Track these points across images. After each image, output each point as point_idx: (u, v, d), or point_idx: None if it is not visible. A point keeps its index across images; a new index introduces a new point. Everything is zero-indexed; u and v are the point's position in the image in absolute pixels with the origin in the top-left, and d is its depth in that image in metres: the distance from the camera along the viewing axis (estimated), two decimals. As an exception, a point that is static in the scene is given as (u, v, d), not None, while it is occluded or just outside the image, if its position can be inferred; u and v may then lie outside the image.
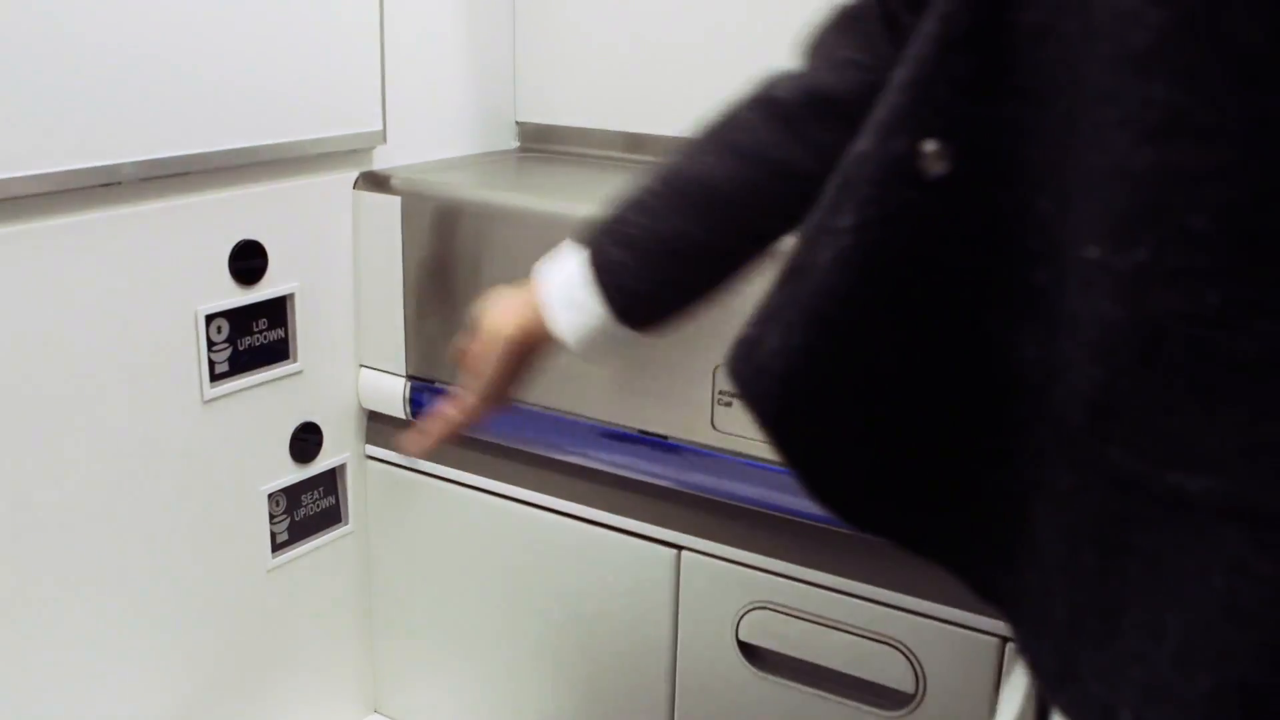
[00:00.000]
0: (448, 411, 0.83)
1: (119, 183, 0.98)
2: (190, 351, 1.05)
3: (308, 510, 1.21)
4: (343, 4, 1.13)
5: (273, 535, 1.17)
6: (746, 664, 1.06)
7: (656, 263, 0.69)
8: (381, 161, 1.22)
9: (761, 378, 0.50)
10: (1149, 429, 0.40)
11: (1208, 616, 0.39)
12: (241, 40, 1.04)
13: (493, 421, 1.02)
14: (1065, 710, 0.44)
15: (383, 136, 1.20)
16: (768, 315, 0.51)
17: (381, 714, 1.33)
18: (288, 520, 1.19)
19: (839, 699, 1.03)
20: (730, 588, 1.05)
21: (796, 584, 1.02)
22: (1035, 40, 0.42)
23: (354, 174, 1.19)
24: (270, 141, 1.09)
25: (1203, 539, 0.39)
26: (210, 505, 1.10)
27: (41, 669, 0.97)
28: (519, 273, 1.10)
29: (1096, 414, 0.42)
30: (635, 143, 1.30)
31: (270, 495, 1.16)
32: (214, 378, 1.07)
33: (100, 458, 0.98)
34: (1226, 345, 0.38)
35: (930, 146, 0.45)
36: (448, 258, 1.14)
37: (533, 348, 0.78)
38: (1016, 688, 0.58)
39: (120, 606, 1.03)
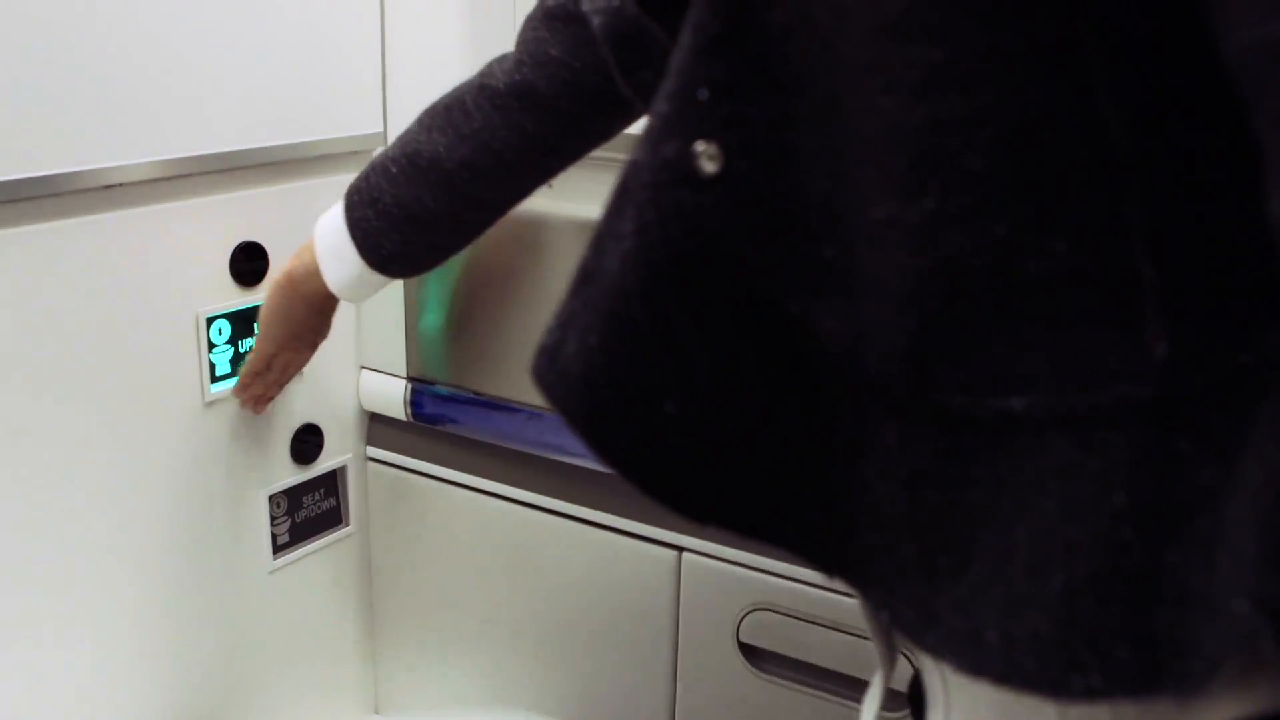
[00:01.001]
0: (249, 367, 1.05)
1: (119, 185, 0.98)
2: (191, 354, 1.05)
3: (309, 512, 1.21)
4: (343, 6, 1.13)
5: (273, 537, 1.17)
6: (747, 665, 1.06)
7: (402, 225, 0.86)
8: (382, 163, 1.22)
9: (565, 381, 0.52)
10: (967, 363, 0.43)
11: (1050, 520, 0.42)
12: (242, 42, 1.04)
13: (492, 425, 1.02)
14: (934, 653, 0.45)
15: (384, 138, 1.20)
16: (564, 321, 0.53)
17: (382, 716, 1.34)
18: (289, 522, 1.19)
19: (839, 700, 1.03)
20: (731, 589, 1.05)
21: (797, 585, 1.02)
22: (785, 35, 0.45)
23: (355, 175, 1.19)
24: (271, 143, 1.09)
25: (1035, 452, 0.42)
26: (211, 507, 1.10)
27: (41, 672, 0.97)
28: (518, 274, 1.11)
29: (915, 362, 0.44)
30: (634, 144, 1.30)
31: (271, 497, 1.16)
32: (214, 379, 1.07)
33: (101, 460, 0.98)
34: (1020, 270, 0.41)
35: (700, 147, 0.47)
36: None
37: (299, 288, 0.96)
38: (871, 699, 0.62)
39: (121, 608, 1.03)
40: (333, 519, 1.24)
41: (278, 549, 1.18)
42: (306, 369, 1.17)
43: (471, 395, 1.15)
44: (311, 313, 1.00)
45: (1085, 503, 0.42)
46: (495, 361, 1.13)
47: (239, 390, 1.07)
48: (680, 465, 0.52)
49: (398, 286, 1.17)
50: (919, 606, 0.46)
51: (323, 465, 1.21)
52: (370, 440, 1.26)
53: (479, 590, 1.22)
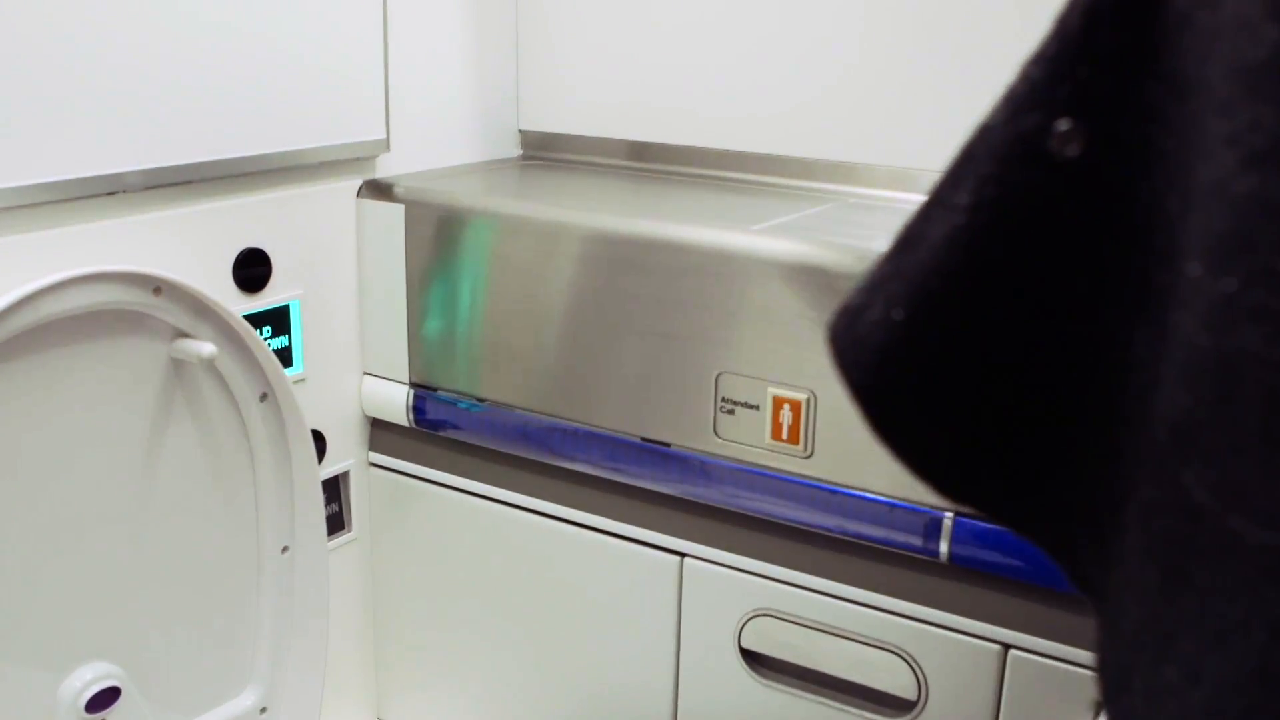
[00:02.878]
0: None
1: (122, 191, 0.98)
2: (194, 359, 1.05)
3: (311, 517, 1.22)
4: (346, 13, 1.14)
5: (276, 542, 1.17)
6: (749, 670, 1.06)
7: None
8: (385, 170, 1.22)
9: (859, 348, 0.48)
10: (1219, 466, 0.39)
11: (1241, 674, 0.38)
12: (245, 49, 1.05)
13: (494, 430, 1.02)
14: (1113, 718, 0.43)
15: (386, 145, 1.21)
16: (873, 285, 0.49)
17: (383, 719, 1.34)
18: (291, 527, 1.19)
19: (841, 705, 1.03)
20: (732, 594, 1.06)
21: (798, 591, 1.02)
22: (1180, 25, 0.40)
23: (357, 182, 1.20)
24: (274, 150, 1.09)
25: (1251, 593, 0.38)
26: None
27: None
28: (522, 280, 1.11)
29: (1177, 436, 0.40)
30: (638, 151, 1.31)
31: (274, 502, 1.16)
32: (218, 385, 1.07)
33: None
34: None
35: (1064, 125, 0.42)
36: (451, 265, 1.14)
37: None
38: None
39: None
40: (335, 524, 1.24)
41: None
42: (310, 375, 1.17)
43: (474, 401, 1.15)
44: None
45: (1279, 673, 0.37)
46: (497, 367, 1.13)
47: None
48: (953, 452, 0.48)
49: (400, 294, 1.18)
50: (1121, 669, 0.43)
51: (325, 471, 1.21)
52: (372, 446, 1.26)
53: (480, 595, 1.22)
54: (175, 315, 0.94)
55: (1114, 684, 0.43)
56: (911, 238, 0.48)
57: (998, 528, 0.86)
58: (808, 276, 0.95)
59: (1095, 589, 0.48)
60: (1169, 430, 0.40)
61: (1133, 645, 0.43)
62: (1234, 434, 0.38)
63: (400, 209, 1.17)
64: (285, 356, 1.14)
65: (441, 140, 1.30)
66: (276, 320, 1.13)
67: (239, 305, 1.08)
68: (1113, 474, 0.45)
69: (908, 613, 0.98)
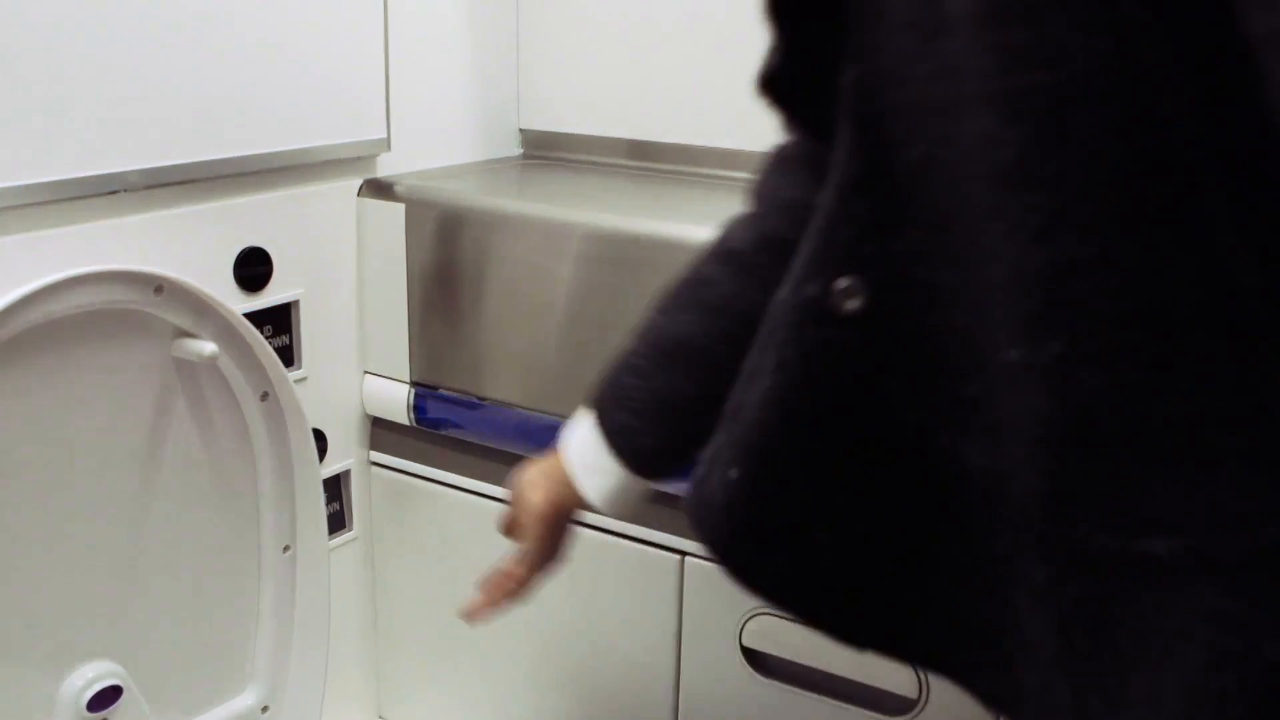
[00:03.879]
0: (504, 579, 0.87)
1: (123, 191, 0.98)
2: (195, 358, 1.05)
3: (312, 516, 1.22)
4: (347, 13, 1.14)
5: (277, 541, 1.17)
6: (750, 669, 1.06)
7: (658, 419, 0.76)
8: (385, 169, 1.22)
9: (709, 513, 0.53)
10: (1108, 506, 0.42)
11: (1199, 669, 0.41)
12: (246, 48, 1.05)
13: (495, 429, 1.02)
14: None
15: (387, 144, 1.21)
16: (712, 455, 0.54)
17: (385, 719, 1.34)
18: (292, 526, 1.19)
19: (842, 704, 1.03)
20: (733, 594, 1.05)
21: (799, 589, 1.02)
22: (922, 173, 0.45)
23: (358, 181, 1.20)
24: (275, 149, 1.09)
25: (1181, 597, 0.41)
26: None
27: (47, 675, 0.98)
28: (522, 279, 1.11)
29: (1055, 503, 0.44)
30: (638, 150, 1.31)
31: (275, 501, 1.16)
32: (219, 384, 1.07)
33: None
34: (1156, 412, 0.41)
35: (842, 284, 0.47)
36: (451, 264, 1.15)
37: (564, 512, 0.84)
38: None
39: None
40: (336, 523, 1.24)
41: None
42: (310, 374, 1.17)
43: (474, 400, 1.15)
44: (569, 528, 0.88)
45: (1235, 652, 0.40)
46: (498, 366, 1.13)
47: (485, 606, 0.89)
48: (833, 593, 0.52)
49: (401, 293, 1.18)
50: None
51: (326, 470, 1.21)
52: (373, 445, 1.26)
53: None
54: (177, 314, 0.94)
55: None
56: (735, 407, 0.53)
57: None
58: (808, 275, 0.95)
59: (1006, 699, 0.50)
60: (1043, 502, 0.44)
61: (1081, 714, 0.45)
62: (1110, 470, 0.42)
63: (401, 208, 1.17)
64: (286, 355, 1.14)
65: (442, 139, 1.30)
66: (277, 319, 1.13)
67: (240, 304, 1.08)
68: (982, 584, 0.48)
69: (908, 611, 0.98)
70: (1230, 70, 0.35)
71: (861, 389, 0.48)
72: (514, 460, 1.16)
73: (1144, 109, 0.38)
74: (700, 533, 0.53)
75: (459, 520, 1.22)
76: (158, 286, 0.92)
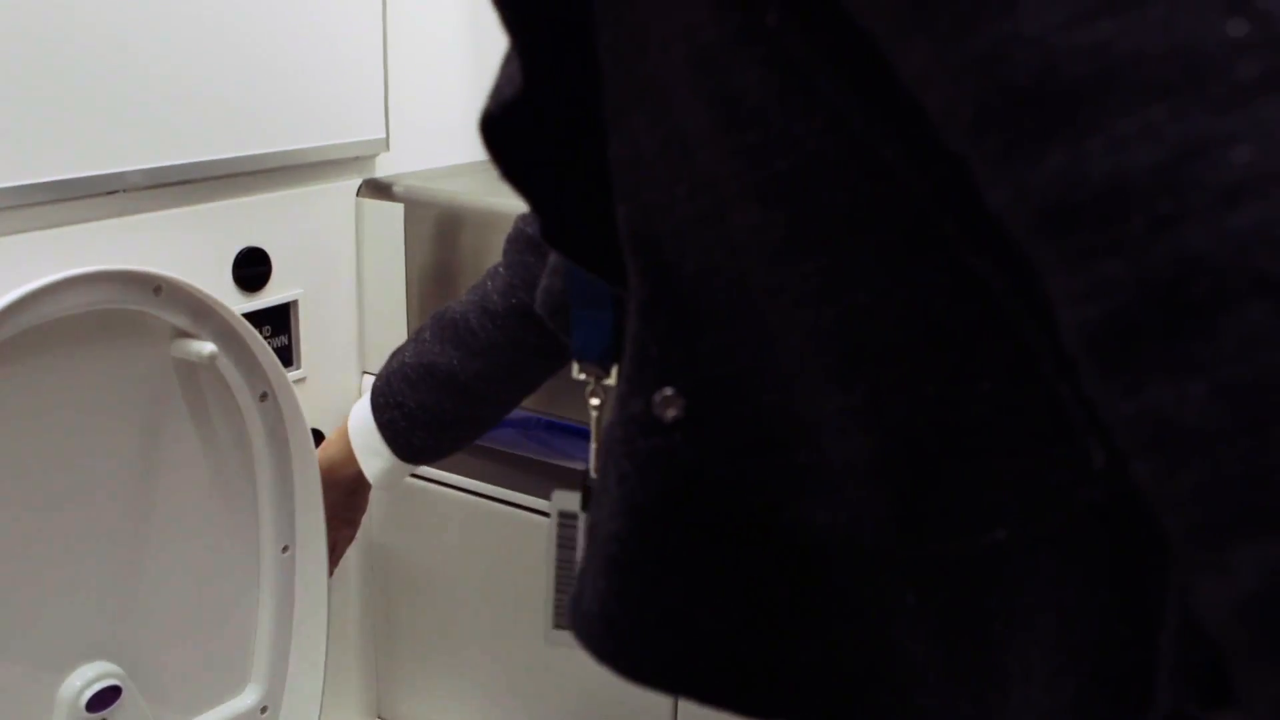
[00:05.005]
0: None
1: (122, 191, 0.98)
2: (194, 358, 1.05)
3: (311, 516, 1.22)
4: (346, 13, 1.14)
5: (276, 541, 1.17)
6: (749, 669, 1.06)
7: (427, 425, 0.95)
8: (384, 169, 1.22)
9: (586, 623, 0.56)
10: (949, 513, 0.47)
11: (1053, 634, 0.45)
12: (245, 49, 1.05)
13: (493, 430, 1.02)
14: None
15: (386, 144, 1.21)
16: (581, 571, 0.58)
17: (384, 719, 1.34)
18: (291, 526, 1.19)
19: (841, 704, 1.03)
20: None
21: (798, 590, 1.02)
22: (703, 280, 0.49)
23: (357, 181, 1.20)
24: (273, 149, 1.09)
25: (1028, 573, 0.46)
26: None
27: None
28: (521, 279, 1.11)
29: (903, 526, 0.48)
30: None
31: (274, 502, 1.16)
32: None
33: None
34: (959, 418, 0.46)
35: (660, 396, 0.51)
36: (450, 264, 1.15)
37: (339, 476, 1.03)
38: None
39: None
40: (335, 524, 1.24)
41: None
42: (309, 374, 1.17)
43: (473, 400, 1.15)
44: (348, 495, 1.07)
45: (1077, 608, 0.45)
46: (497, 366, 1.13)
47: None
48: (727, 674, 0.54)
49: (400, 293, 1.18)
50: None
51: (325, 470, 1.21)
52: (372, 445, 1.26)
53: (480, 595, 1.22)
54: (175, 315, 0.94)
55: None
56: (592, 525, 0.57)
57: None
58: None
59: None
60: (892, 529, 0.48)
61: (985, 714, 0.49)
62: (940, 481, 0.47)
63: (400, 208, 1.17)
64: (285, 356, 1.15)
65: (441, 139, 1.30)
66: (276, 319, 1.13)
67: (239, 304, 1.08)
68: (864, 622, 0.52)
69: (908, 611, 0.98)
70: (917, 114, 0.39)
71: (700, 485, 0.52)
72: (512, 461, 1.16)
73: (866, 168, 0.43)
74: (586, 644, 0.57)
75: (457, 520, 1.22)
76: (156, 287, 0.92)
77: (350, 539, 1.13)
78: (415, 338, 0.96)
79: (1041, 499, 0.46)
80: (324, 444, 1.04)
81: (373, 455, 0.99)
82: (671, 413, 0.51)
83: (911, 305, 0.45)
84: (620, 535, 0.53)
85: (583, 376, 0.80)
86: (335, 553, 1.11)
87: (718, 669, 0.54)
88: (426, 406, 0.94)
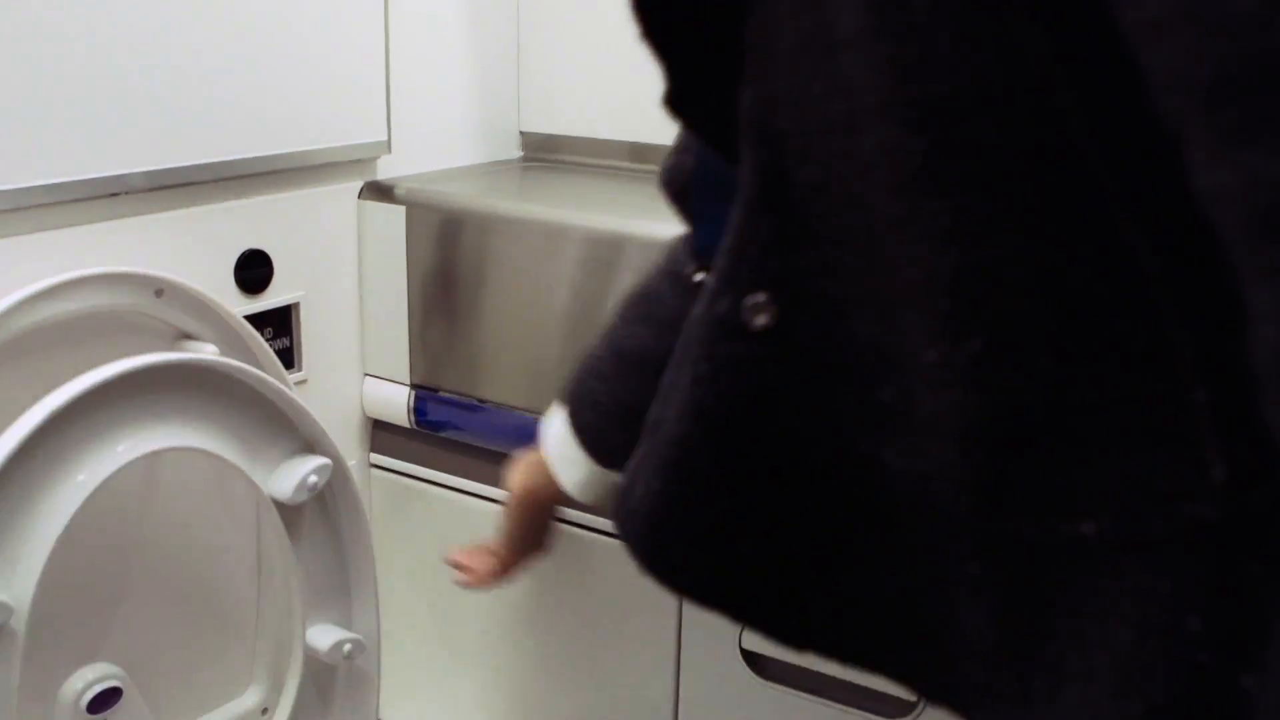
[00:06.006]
0: (481, 552, 0.98)
1: (124, 193, 0.98)
2: (196, 360, 1.05)
3: (312, 518, 1.22)
4: (348, 15, 1.14)
5: (277, 543, 1.17)
6: (750, 671, 1.07)
7: (622, 421, 0.81)
8: (386, 171, 1.22)
9: (632, 520, 0.54)
10: (1034, 492, 0.44)
11: (1128, 645, 0.42)
12: (247, 51, 1.05)
13: (495, 431, 1.02)
14: None
15: (387, 146, 1.21)
16: (635, 466, 0.55)
17: (384, 719, 1.34)
18: (292, 528, 1.19)
19: (841, 706, 1.03)
20: (733, 596, 1.06)
21: (799, 592, 1.02)
22: (822, 189, 0.46)
23: (359, 184, 1.20)
24: (275, 152, 1.09)
25: (1109, 576, 0.43)
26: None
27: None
28: (522, 281, 1.11)
29: (984, 495, 0.45)
30: (639, 152, 1.31)
31: (275, 503, 1.16)
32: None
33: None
34: (1072, 399, 0.42)
35: (751, 301, 0.48)
36: (452, 266, 1.15)
37: (540, 498, 0.93)
38: None
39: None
40: (336, 526, 1.25)
41: (281, 556, 1.18)
42: (311, 376, 1.17)
43: (474, 402, 1.16)
44: (545, 516, 0.99)
45: (1159, 626, 0.42)
46: (498, 368, 1.13)
47: (463, 576, 0.99)
48: (762, 596, 0.53)
49: (402, 295, 1.18)
50: None
51: (326, 472, 1.22)
52: (373, 447, 1.26)
53: (480, 596, 1.22)
54: (177, 316, 0.95)
55: None
56: (655, 421, 0.55)
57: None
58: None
59: (950, 693, 0.51)
60: (972, 496, 0.45)
61: (1024, 702, 0.46)
62: (1035, 458, 0.43)
63: (401, 210, 1.17)
64: (286, 358, 1.15)
65: (443, 142, 1.30)
66: (278, 321, 1.13)
67: (240, 306, 1.08)
68: (914, 583, 0.50)
69: (908, 614, 0.98)
70: (1112, 64, 0.36)
71: (776, 401, 0.50)
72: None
73: (1034, 110, 0.39)
74: (626, 540, 0.55)
75: (459, 522, 1.22)
76: (158, 289, 0.93)
77: (540, 559, 1.02)
78: (606, 328, 0.86)
79: (1141, 503, 0.42)
80: (516, 468, 0.94)
81: (570, 465, 0.88)
82: (761, 320, 0.48)
83: (1046, 268, 0.41)
84: (683, 439, 0.51)
85: (700, 277, 0.71)
86: (518, 573, 1.01)
87: (758, 591, 0.52)
88: (621, 399, 0.83)
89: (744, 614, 0.54)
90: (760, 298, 0.48)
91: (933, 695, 0.52)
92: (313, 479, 0.96)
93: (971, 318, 0.43)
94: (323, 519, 1.02)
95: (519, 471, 0.94)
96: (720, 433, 0.51)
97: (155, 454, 0.88)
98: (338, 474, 1.00)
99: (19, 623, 0.80)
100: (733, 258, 0.49)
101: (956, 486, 0.46)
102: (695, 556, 0.53)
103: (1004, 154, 0.40)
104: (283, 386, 0.95)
